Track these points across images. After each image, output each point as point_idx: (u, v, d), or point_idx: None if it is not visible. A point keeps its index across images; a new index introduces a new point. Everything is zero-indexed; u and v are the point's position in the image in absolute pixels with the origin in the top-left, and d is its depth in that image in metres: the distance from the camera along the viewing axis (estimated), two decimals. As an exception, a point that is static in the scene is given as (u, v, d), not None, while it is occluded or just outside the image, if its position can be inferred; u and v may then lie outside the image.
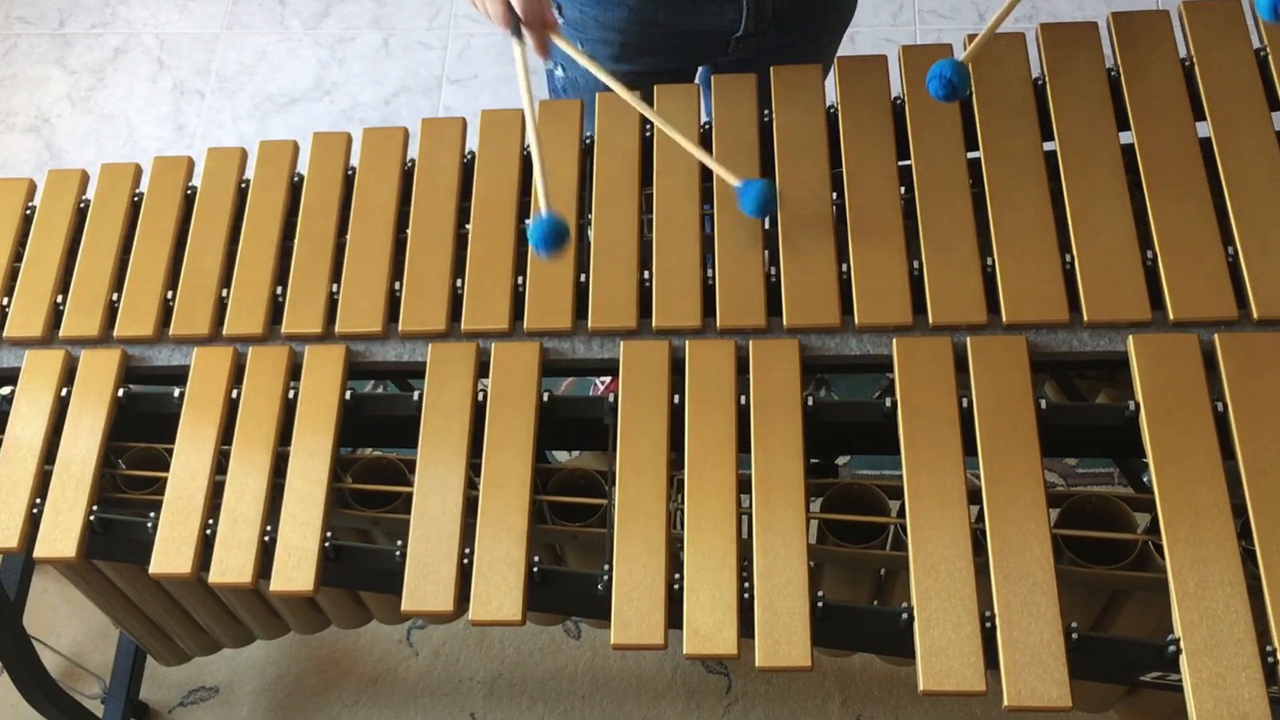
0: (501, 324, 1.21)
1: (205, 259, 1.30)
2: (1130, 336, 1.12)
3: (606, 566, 1.08)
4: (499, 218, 1.27)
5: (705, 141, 1.29)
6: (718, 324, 1.18)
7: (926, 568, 1.03)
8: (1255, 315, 1.12)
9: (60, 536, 1.16)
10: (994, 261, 1.17)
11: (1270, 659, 0.96)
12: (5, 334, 1.29)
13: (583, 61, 1.22)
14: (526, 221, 1.25)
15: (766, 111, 1.30)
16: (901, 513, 1.07)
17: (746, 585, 1.05)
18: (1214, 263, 1.14)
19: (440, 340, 1.22)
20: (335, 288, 1.26)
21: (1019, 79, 1.28)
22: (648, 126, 1.31)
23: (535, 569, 1.09)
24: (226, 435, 1.19)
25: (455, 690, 1.93)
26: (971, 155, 1.25)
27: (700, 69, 1.55)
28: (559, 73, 1.54)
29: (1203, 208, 1.17)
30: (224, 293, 1.27)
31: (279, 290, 1.27)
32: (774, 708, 1.86)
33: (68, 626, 2.03)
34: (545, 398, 1.17)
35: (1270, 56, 1.25)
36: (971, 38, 1.26)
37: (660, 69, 1.45)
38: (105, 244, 1.33)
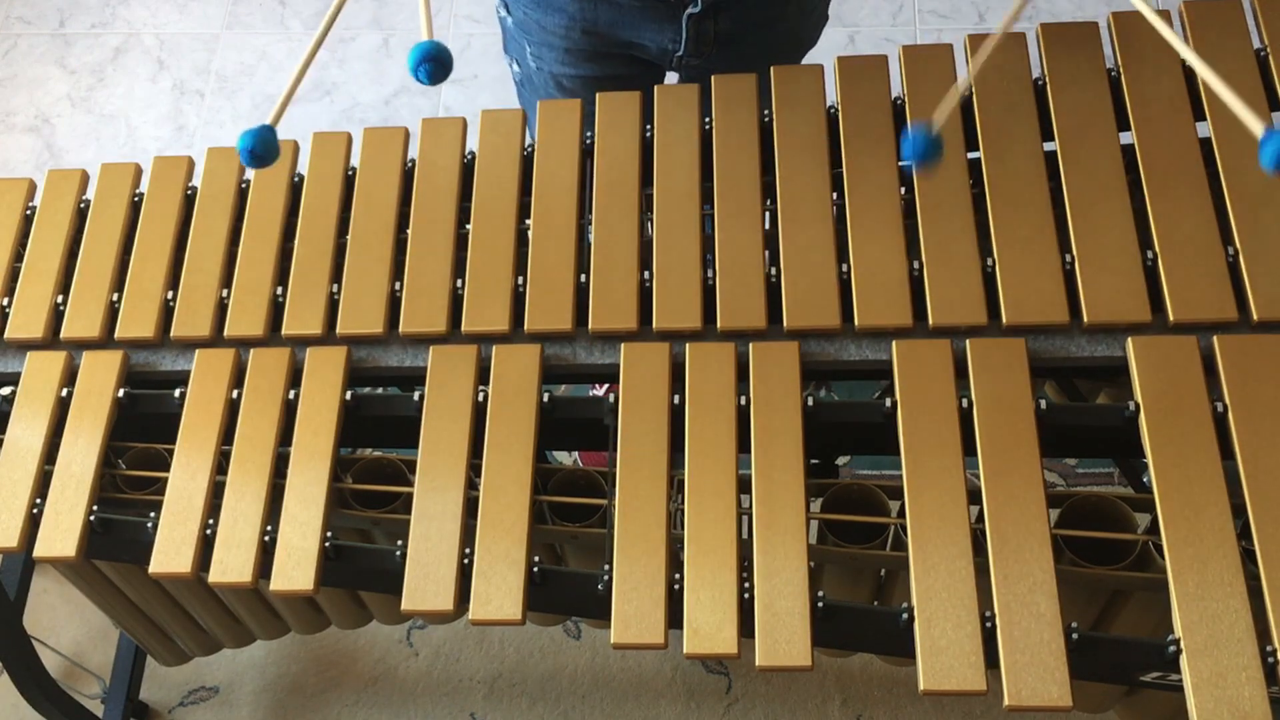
0: (502, 325, 1.21)
1: (206, 259, 1.30)
2: (1129, 340, 1.12)
3: (606, 566, 1.08)
4: (499, 218, 1.27)
5: (705, 141, 1.29)
6: (718, 325, 1.18)
7: (926, 568, 1.03)
8: (1255, 317, 1.12)
9: (60, 536, 1.16)
10: (994, 262, 1.17)
11: (1270, 659, 0.96)
12: (6, 335, 1.29)
13: None
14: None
15: (766, 111, 1.30)
16: (901, 513, 1.07)
17: (746, 585, 1.04)
18: (1214, 263, 1.14)
19: (441, 342, 1.22)
20: (336, 288, 1.26)
21: (1019, 79, 1.28)
22: (648, 126, 1.31)
23: (535, 569, 1.09)
24: (227, 436, 1.19)
25: (455, 690, 1.93)
26: (971, 155, 1.25)
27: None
28: (514, 68, 1.53)
29: (1203, 208, 1.17)
30: (224, 294, 1.27)
31: (279, 291, 1.27)
32: (774, 708, 1.86)
33: (68, 626, 2.03)
34: (545, 398, 1.17)
35: (1270, 56, 1.26)
36: (972, 38, 1.26)
37: (607, 75, 1.44)
38: (105, 244, 1.33)
